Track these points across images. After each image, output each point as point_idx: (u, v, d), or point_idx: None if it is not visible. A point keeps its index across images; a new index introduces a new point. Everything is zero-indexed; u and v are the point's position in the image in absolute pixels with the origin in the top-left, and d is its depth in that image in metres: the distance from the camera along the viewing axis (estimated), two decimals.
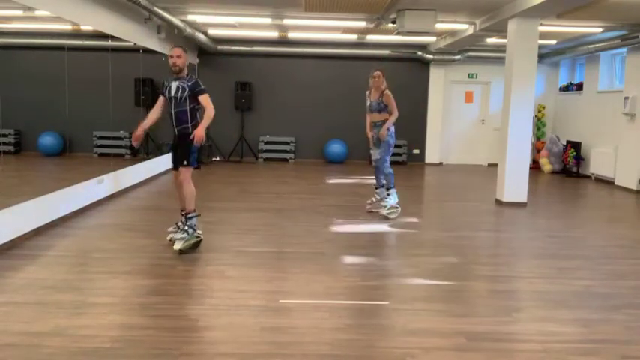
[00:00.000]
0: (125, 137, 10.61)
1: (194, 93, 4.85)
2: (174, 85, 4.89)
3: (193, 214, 4.96)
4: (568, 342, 3.23)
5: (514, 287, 4.29)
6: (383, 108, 6.53)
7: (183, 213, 5.09)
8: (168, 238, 5.15)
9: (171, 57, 4.87)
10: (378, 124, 6.60)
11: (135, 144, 5.04)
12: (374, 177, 6.99)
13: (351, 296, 3.94)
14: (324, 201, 7.59)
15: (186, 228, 4.91)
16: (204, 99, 4.87)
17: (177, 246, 4.82)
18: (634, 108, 9.13)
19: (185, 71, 4.93)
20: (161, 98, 5.01)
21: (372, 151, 6.82)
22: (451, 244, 5.48)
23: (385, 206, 6.67)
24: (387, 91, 6.51)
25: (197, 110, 4.96)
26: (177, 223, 5.15)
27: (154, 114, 5.07)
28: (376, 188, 6.90)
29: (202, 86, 4.90)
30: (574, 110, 11.62)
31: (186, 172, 4.93)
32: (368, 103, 6.63)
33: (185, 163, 4.91)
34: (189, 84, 4.86)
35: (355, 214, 6.75)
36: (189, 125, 4.89)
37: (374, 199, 6.92)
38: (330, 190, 8.67)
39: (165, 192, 8.36)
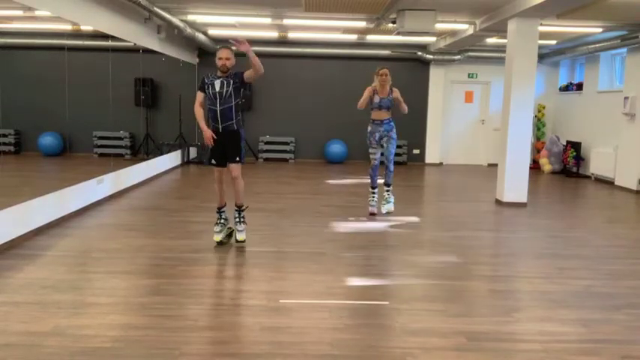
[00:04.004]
0: (125, 137, 10.63)
1: (239, 78, 4.89)
2: (217, 81, 4.92)
3: (245, 207, 5.24)
4: (568, 342, 3.23)
5: (514, 287, 4.29)
6: (392, 105, 6.50)
7: (237, 207, 5.18)
8: (218, 239, 5.09)
9: (220, 59, 4.88)
10: (385, 121, 6.51)
11: (211, 142, 4.96)
12: (381, 178, 6.80)
13: (351, 296, 3.93)
14: (324, 201, 7.59)
15: (244, 219, 5.19)
16: (249, 72, 4.85)
17: (243, 236, 5.17)
18: (634, 108, 9.13)
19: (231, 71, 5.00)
20: (201, 94, 5.00)
21: (374, 151, 6.60)
22: (451, 243, 5.47)
23: (389, 202, 6.70)
24: (395, 88, 6.49)
25: (240, 106, 5.03)
26: (218, 221, 5.15)
27: (202, 110, 5.02)
28: (373, 189, 6.75)
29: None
30: (574, 110, 11.61)
31: (238, 168, 5.08)
32: (377, 100, 6.44)
33: (238, 159, 5.06)
34: (233, 75, 4.92)
35: (355, 214, 6.75)
36: (234, 121, 4.97)
37: (375, 200, 6.76)
38: (330, 190, 8.67)
39: (165, 192, 8.37)
